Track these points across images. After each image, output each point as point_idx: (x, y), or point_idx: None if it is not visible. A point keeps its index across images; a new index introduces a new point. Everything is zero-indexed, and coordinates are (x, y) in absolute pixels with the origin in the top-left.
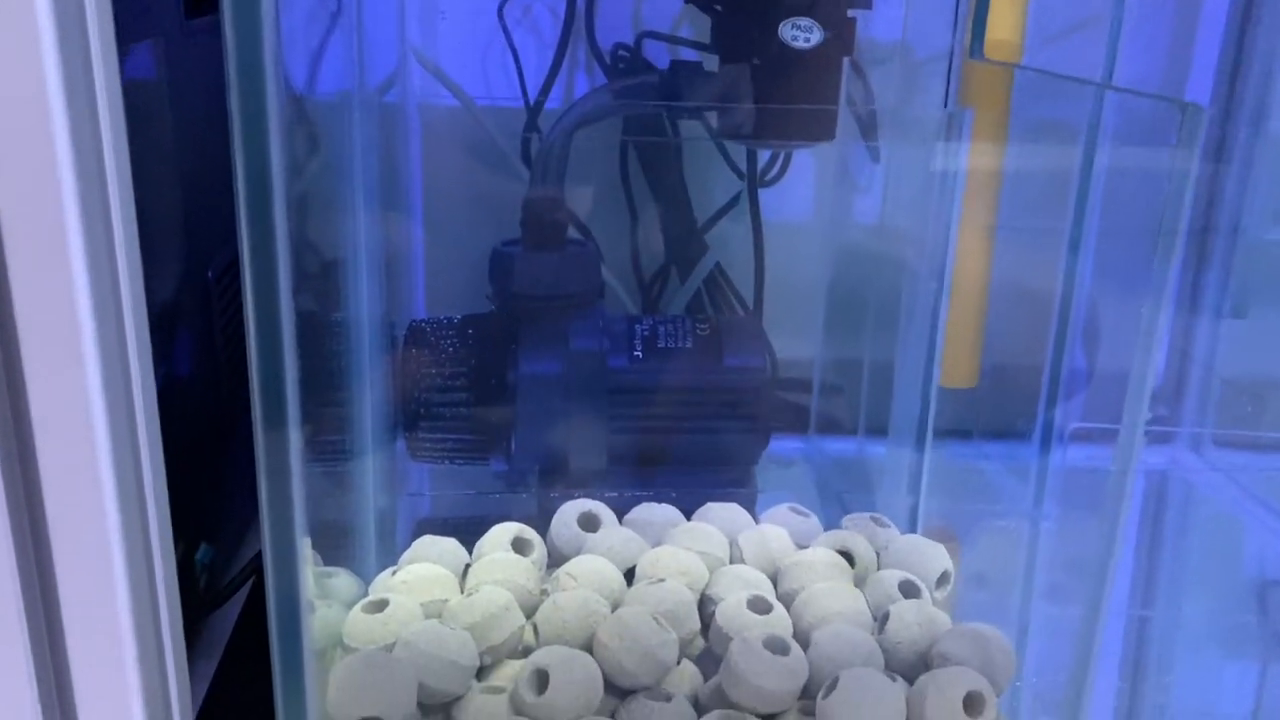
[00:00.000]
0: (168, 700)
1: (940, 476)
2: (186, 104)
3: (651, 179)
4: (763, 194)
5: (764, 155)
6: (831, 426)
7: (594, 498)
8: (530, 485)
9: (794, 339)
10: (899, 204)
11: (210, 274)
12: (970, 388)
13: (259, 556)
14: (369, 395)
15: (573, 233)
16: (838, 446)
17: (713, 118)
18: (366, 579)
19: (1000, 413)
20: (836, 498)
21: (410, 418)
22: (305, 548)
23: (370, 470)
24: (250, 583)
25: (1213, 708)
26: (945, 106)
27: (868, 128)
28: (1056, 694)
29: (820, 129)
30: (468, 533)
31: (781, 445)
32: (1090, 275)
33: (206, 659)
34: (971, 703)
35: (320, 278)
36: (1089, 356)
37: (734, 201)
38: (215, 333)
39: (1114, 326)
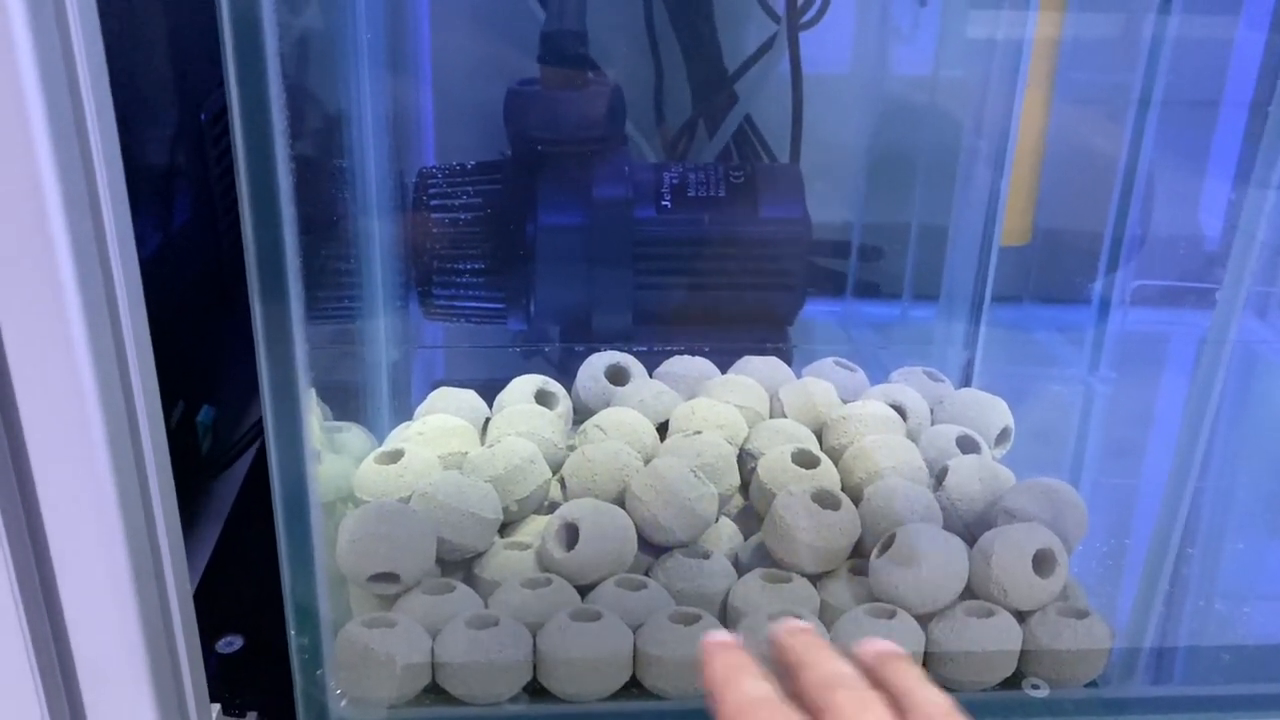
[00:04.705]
0: (160, 568)
1: (993, 337)
2: None
3: (678, 21)
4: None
5: None
6: (871, 291)
7: None
8: (552, 342)
9: (831, 200)
10: (955, 55)
11: (203, 116)
12: (1023, 244)
13: None
14: (377, 249)
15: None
16: (879, 311)
17: None
18: (380, 437)
19: (1054, 272)
20: (879, 362)
21: (421, 273)
22: (309, 398)
23: (380, 325)
24: (258, 445)
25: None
26: None
27: None
28: (1119, 558)
29: None
30: (487, 393)
31: (816, 309)
32: (1154, 135)
33: (212, 523)
34: (1042, 561)
35: (322, 123)
36: (1149, 217)
37: (767, 46)
38: (212, 181)
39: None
